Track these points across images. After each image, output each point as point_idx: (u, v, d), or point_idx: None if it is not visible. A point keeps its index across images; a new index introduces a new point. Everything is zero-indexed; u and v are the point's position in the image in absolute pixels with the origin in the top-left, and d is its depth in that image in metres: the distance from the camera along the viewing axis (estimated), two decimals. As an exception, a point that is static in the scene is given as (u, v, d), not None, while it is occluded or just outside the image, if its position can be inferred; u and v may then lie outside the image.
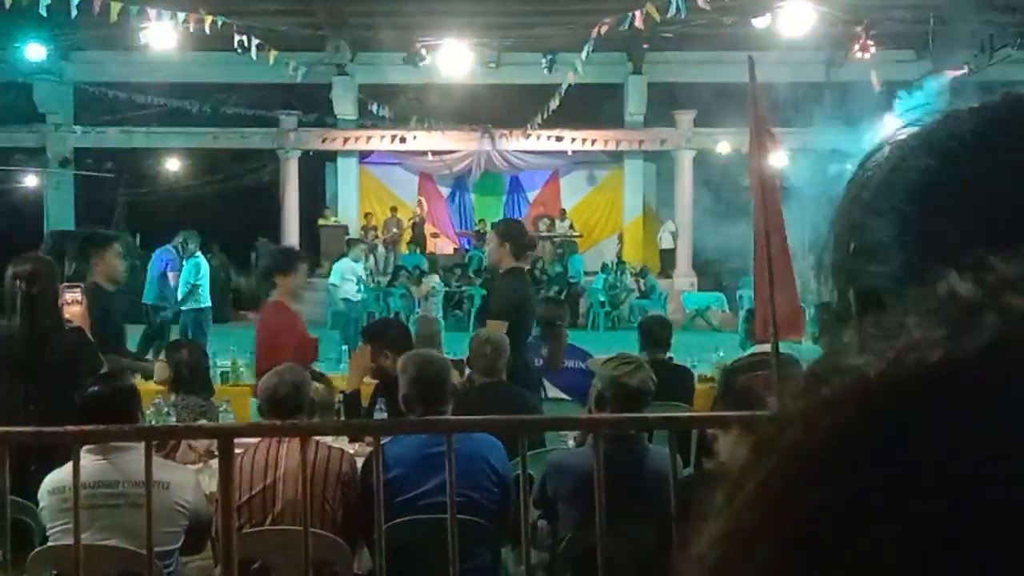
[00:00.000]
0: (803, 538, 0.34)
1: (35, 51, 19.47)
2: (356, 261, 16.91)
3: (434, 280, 19.52)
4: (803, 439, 0.36)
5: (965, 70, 19.50)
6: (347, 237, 22.50)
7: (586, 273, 21.70)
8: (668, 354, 7.10)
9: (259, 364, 6.47)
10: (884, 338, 0.37)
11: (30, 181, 23.96)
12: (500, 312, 6.33)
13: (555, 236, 22.88)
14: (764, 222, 4.21)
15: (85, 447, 4.00)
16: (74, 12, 14.07)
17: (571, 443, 5.17)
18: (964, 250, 0.39)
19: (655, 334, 7.03)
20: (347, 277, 16.29)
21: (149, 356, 10.09)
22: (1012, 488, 0.32)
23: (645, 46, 20.76)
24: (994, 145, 0.63)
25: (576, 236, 23.22)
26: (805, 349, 5.32)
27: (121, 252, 7.22)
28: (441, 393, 4.49)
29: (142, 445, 3.67)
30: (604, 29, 15.57)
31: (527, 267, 6.55)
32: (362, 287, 16.78)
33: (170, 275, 13.79)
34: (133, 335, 10.70)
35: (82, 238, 7.56)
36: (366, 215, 23.65)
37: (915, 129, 0.67)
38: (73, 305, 5.55)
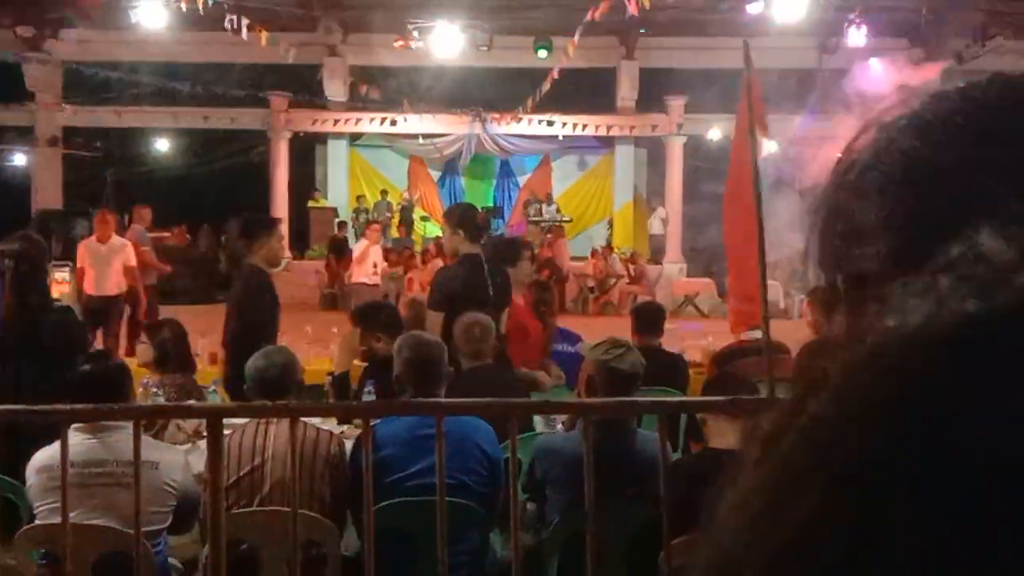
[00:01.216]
0: (853, 481, 0.34)
1: (24, 29, 19.34)
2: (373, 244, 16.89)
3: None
4: (848, 387, 0.36)
5: (957, 59, 19.54)
6: (337, 220, 22.50)
7: (577, 258, 21.70)
8: (659, 340, 7.08)
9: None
10: (916, 296, 0.37)
11: (18, 160, 23.85)
12: (434, 303, 6.30)
13: (543, 221, 22.87)
14: (752, 209, 4.21)
15: (75, 425, 4.00)
16: None
17: (560, 427, 5.18)
18: (951, 230, 0.39)
19: (648, 320, 7.01)
20: (362, 260, 16.29)
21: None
22: None
23: (642, 32, 20.71)
24: (981, 126, 0.63)
25: (565, 220, 23.23)
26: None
27: (282, 236, 6.97)
28: (435, 375, 4.50)
29: (131, 424, 3.66)
30: (598, 14, 15.53)
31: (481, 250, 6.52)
32: (379, 270, 16.74)
33: None
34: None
35: (243, 220, 7.26)
36: (358, 198, 23.61)
37: (901, 110, 0.67)
38: (62, 284, 5.53)
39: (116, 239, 11.77)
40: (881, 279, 0.61)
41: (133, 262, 11.70)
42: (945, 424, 0.33)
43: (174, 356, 5.87)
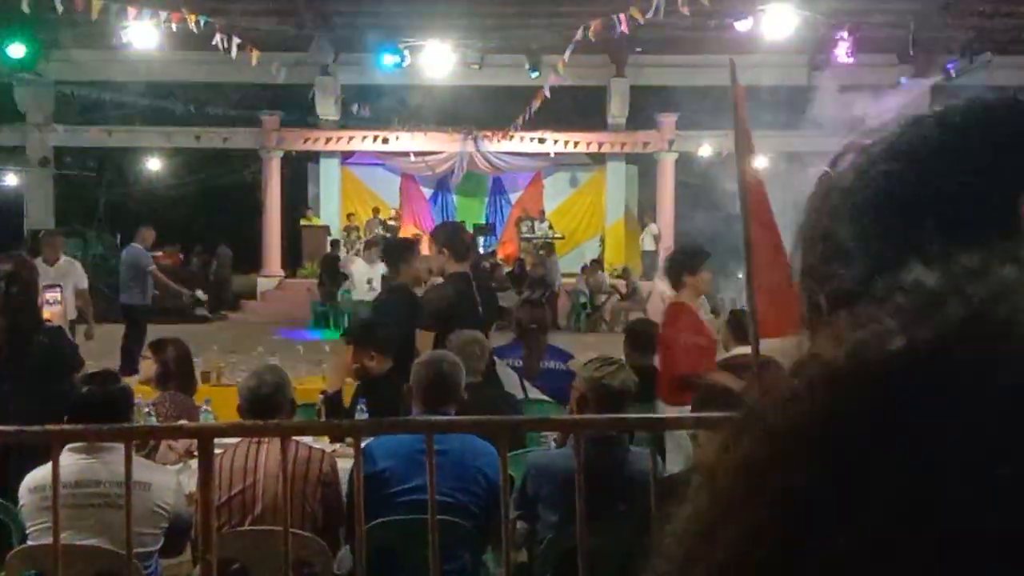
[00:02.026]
0: (779, 514, 0.35)
1: (15, 50, 19.35)
2: (371, 263, 16.85)
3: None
4: (778, 424, 0.37)
5: (944, 76, 19.64)
6: (330, 238, 22.50)
7: (568, 275, 21.70)
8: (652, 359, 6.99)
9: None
10: (855, 329, 0.38)
11: (9, 180, 23.83)
12: (426, 325, 6.30)
13: (535, 238, 22.89)
14: (752, 223, 4.21)
15: (70, 445, 3.99)
16: (60, 8, 13.99)
17: (552, 444, 5.18)
18: (929, 252, 0.40)
19: (641, 339, 6.94)
20: (361, 278, 16.29)
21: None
22: (975, 468, 0.33)
23: (638, 50, 20.78)
24: (956, 150, 0.64)
25: (557, 237, 23.25)
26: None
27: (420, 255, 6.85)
28: (447, 394, 4.50)
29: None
30: (591, 31, 15.59)
31: (481, 265, 6.60)
32: (375, 285, 16.71)
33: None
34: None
35: (389, 244, 7.17)
36: (349, 216, 23.60)
37: (880, 135, 0.69)
38: (53, 305, 5.52)
39: (64, 260, 10.97)
40: (857, 301, 0.62)
41: (85, 284, 10.88)
42: (857, 467, 0.34)
43: (176, 374, 5.86)
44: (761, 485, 0.36)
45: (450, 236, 6.73)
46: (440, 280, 6.75)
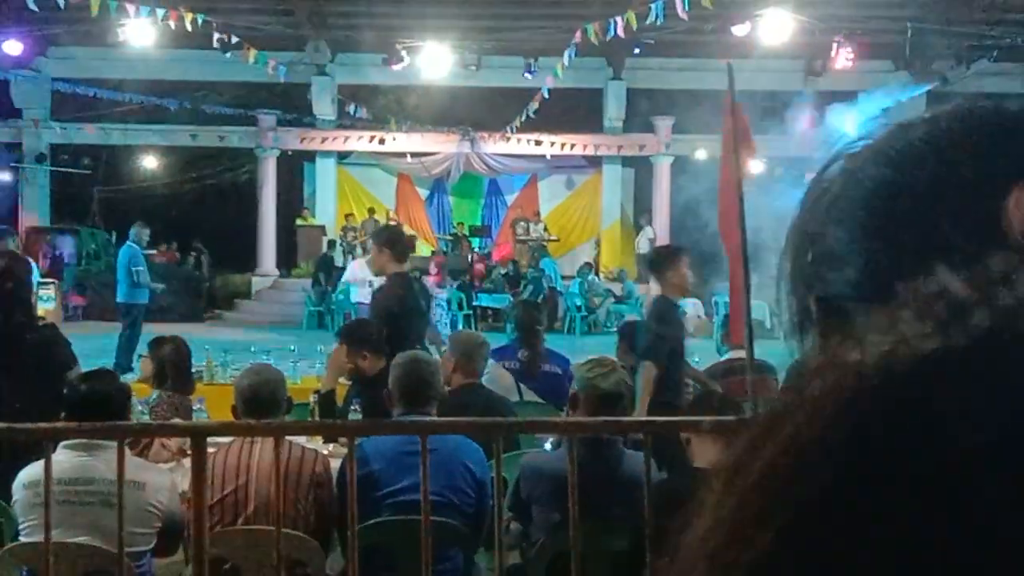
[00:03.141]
0: (806, 521, 0.35)
1: (12, 47, 19.33)
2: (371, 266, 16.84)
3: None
4: (805, 428, 0.37)
5: (940, 83, 19.68)
6: (325, 238, 22.49)
7: (564, 277, 21.70)
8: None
9: None
10: (878, 333, 0.38)
11: (5, 176, 23.79)
12: (378, 321, 6.39)
13: (531, 239, 22.90)
14: (740, 227, 4.23)
15: (66, 442, 3.98)
16: (62, 3, 14.00)
17: (548, 446, 5.17)
18: (913, 263, 0.40)
19: (635, 340, 6.93)
20: (359, 280, 16.27)
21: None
22: (1006, 475, 0.33)
23: (636, 51, 20.78)
24: (945, 155, 0.65)
25: (551, 239, 23.25)
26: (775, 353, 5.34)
27: (689, 262, 6.79)
28: (426, 393, 4.50)
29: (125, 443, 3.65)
30: (593, 32, 15.59)
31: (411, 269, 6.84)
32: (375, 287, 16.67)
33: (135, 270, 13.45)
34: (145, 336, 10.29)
35: (656, 253, 7.05)
36: (347, 216, 23.58)
37: (869, 140, 0.69)
38: (47, 302, 5.51)
39: None
40: (849, 305, 0.62)
41: None
42: (892, 465, 0.34)
43: (173, 373, 5.85)
44: (795, 487, 0.36)
45: (393, 237, 6.96)
46: (383, 280, 6.86)
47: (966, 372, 0.35)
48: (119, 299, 13.22)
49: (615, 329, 18.21)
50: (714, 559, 0.37)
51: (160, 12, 15.74)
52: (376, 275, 6.85)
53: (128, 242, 13.71)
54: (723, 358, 7.05)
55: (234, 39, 17.10)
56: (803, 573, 0.35)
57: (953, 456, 0.34)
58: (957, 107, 0.69)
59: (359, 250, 22.57)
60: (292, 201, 24.06)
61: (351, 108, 21.90)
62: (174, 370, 5.86)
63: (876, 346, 0.37)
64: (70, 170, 24.08)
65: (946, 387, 0.35)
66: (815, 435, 0.37)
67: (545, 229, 23.52)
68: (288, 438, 4.10)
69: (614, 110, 23.11)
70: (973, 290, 0.37)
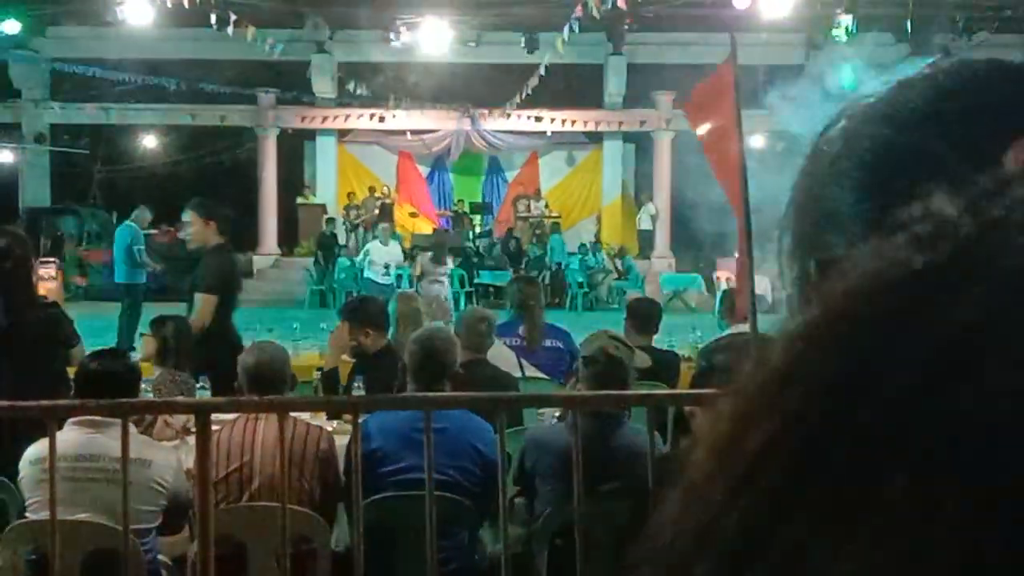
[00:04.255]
0: (809, 411, 0.36)
1: (10, 26, 19.26)
2: (383, 244, 16.79)
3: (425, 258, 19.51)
4: (800, 341, 0.38)
5: (941, 55, 19.59)
6: (326, 216, 22.45)
7: (570, 254, 21.69)
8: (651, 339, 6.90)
9: None
10: (867, 256, 0.38)
11: (4, 157, 23.75)
12: (210, 287, 6.44)
13: (532, 216, 22.86)
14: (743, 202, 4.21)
15: (73, 419, 3.99)
16: None
17: (553, 420, 5.18)
18: (906, 199, 0.41)
19: (643, 318, 6.87)
20: (373, 260, 16.27)
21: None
22: (996, 375, 0.33)
23: (629, 21, 20.67)
24: (944, 113, 0.65)
25: (553, 216, 23.21)
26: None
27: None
28: (440, 370, 4.49)
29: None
30: (592, 4, 15.53)
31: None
32: (391, 271, 16.60)
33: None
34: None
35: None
36: (349, 195, 23.54)
37: (869, 100, 0.69)
38: (48, 280, 5.51)
39: None
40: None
41: None
42: (878, 355, 0.35)
43: (175, 352, 5.85)
44: (789, 387, 0.37)
45: (218, 209, 7.05)
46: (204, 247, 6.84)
47: (953, 275, 0.36)
48: (117, 279, 13.29)
49: (616, 306, 18.34)
50: (721, 454, 0.38)
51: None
52: (195, 248, 6.85)
53: (127, 222, 13.75)
54: (724, 333, 7.05)
55: (232, 16, 17.03)
56: (791, 459, 0.35)
57: (953, 332, 0.34)
58: (956, 63, 0.69)
59: (360, 229, 22.56)
60: (293, 180, 24.01)
61: (351, 86, 21.83)
62: (176, 348, 5.86)
63: (866, 266, 0.38)
64: (70, 150, 24.03)
65: (930, 292, 0.36)
66: (814, 338, 0.38)
67: (546, 206, 23.49)
68: (292, 415, 4.11)
69: (614, 85, 23.01)
70: (961, 206, 0.38)
